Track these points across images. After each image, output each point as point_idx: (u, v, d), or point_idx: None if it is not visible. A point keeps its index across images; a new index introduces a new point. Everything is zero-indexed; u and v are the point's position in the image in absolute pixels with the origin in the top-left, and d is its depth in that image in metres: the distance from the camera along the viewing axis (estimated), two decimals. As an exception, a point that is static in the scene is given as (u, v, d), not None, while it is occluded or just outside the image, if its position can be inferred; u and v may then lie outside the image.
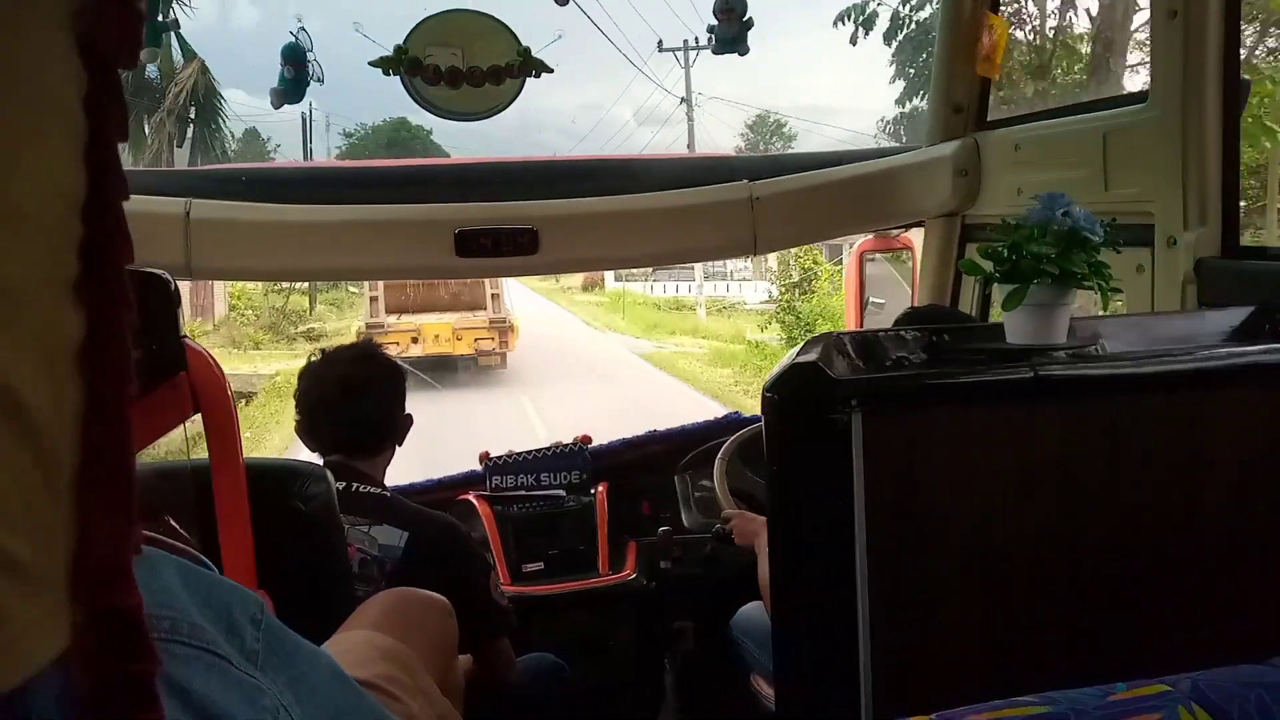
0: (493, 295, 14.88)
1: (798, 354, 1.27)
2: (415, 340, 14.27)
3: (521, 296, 19.80)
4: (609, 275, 30.91)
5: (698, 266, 25.31)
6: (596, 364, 17.30)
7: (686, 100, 26.40)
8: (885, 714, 1.14)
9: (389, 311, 14.71)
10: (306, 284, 21.21)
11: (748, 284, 27.56)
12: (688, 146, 26.22)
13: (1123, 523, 1.24)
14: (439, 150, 27.75)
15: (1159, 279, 1.84)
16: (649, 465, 2.78)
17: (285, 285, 19.23)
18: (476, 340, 14.59)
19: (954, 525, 1.20)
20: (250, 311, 20.50)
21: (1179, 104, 1.79)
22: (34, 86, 0.31)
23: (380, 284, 13.49)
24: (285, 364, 14.63)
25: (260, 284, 17.57)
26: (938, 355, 1.36)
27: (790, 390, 1.19)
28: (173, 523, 1.25)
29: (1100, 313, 1.55)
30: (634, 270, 26.75)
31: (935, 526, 1.20)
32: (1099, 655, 1.23)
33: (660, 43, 24.51)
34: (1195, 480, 1.26)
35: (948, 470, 1.20)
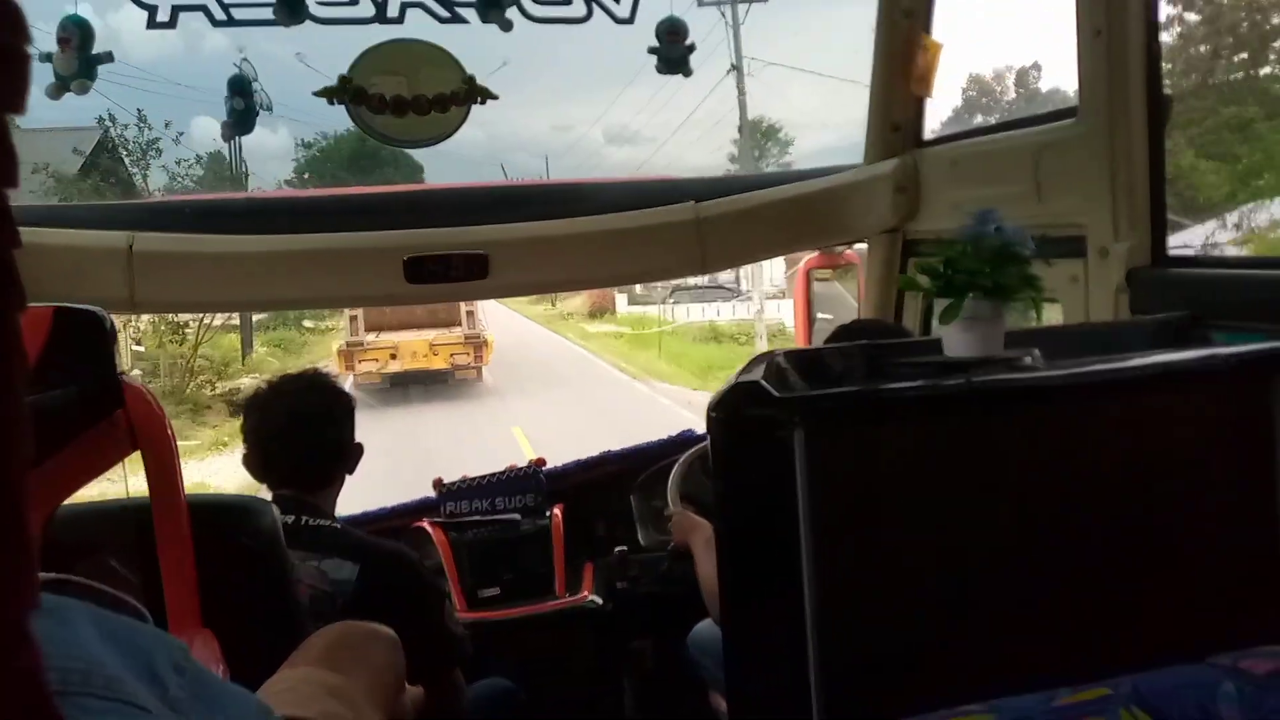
0: (468, 313, 15.53)
1: (741, 373, 1.29)
2: (394, 356, 15.11)
3: (508, 325, 18.94)
4: (620, 298, 28.82)
5: (748, 276, 22.77)
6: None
7: (737, 68, 21.49)
8: None
9: (368, 329, 15.41)
10: (237, 321, 18.81)
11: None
12: (738, 129, 23.70)
13: (1062, 527, 1.27)
14: (407, 160, 25.79)
15: (1093, 289, 1.89)
16: (604, 486, 2.78)
17: (205, 322, 16.37)
18: (453, 355, 15.38)
19: (898, 537, 1.22)
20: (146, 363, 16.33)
21: (1106, 119, 1.85)
22: None
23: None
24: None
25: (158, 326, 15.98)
26: (879, 370, 1.39)
27: (733, 409, 1.20)
28: (114, 564, 1.23)
29: (1035, 325, 1.59)
30: (650, 286, 24.55)
31: (880, 538, 1.22)
32: (1043, 658, 1.25)
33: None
34: (1133, 483, 1.30)
35: (891, 483, 1.22)
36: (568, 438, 8.65)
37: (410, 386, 15.67)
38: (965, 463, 1.24)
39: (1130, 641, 1.28)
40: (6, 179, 0.33)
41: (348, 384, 16.01)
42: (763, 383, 1.21)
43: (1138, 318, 1.75)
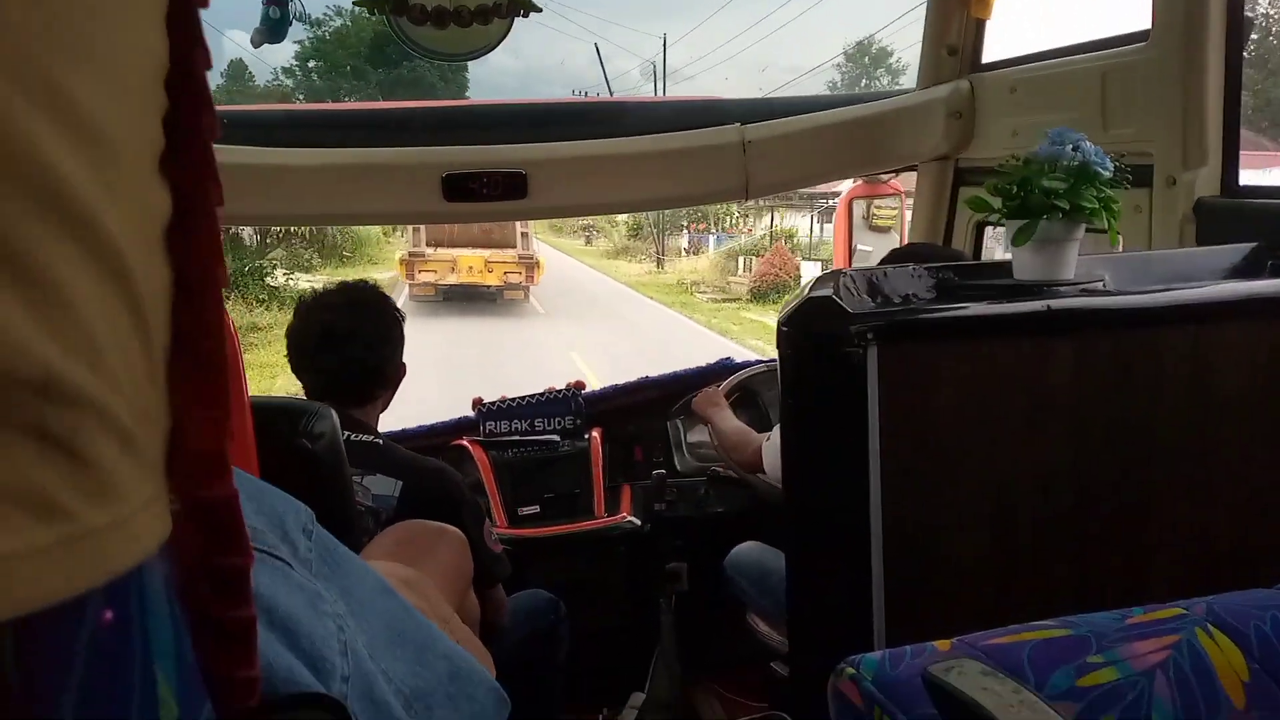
0: (522, 234, 16.63)
1: (810, 289, 1.27)
2: (452, 269, 16.33)
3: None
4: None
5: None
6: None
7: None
8: (898, 640, 1.16)
9: (429, 244, 16.51)
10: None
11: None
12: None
13: (1131, 453, 1.26)
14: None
15: (1157, 219, 1.85)
16: (642, 410, 2.78)
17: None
18: (506, 274, 16.64)
19: (966, 456, 1.21)
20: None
21: (1180, 43, 1.78)
22: None
23: None
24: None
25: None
26: (947, 291, 1.36)
27: (805, 323, 1.19)
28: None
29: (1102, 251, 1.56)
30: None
31: (948, 457, 1.21)
32: (1108, 584, 1.25)
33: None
34: (1201, 411, 1.28)
35: (960, 402, 1.20)
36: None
37: (461, 301, 16.89)
38: (1036, 385, 1.22)
39: (1196, 570, 1.28)
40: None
41: (403, 294, 16.19)
42: (836, 298, 1.19)
43: (1207, 247, 1.71)
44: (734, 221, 26.30)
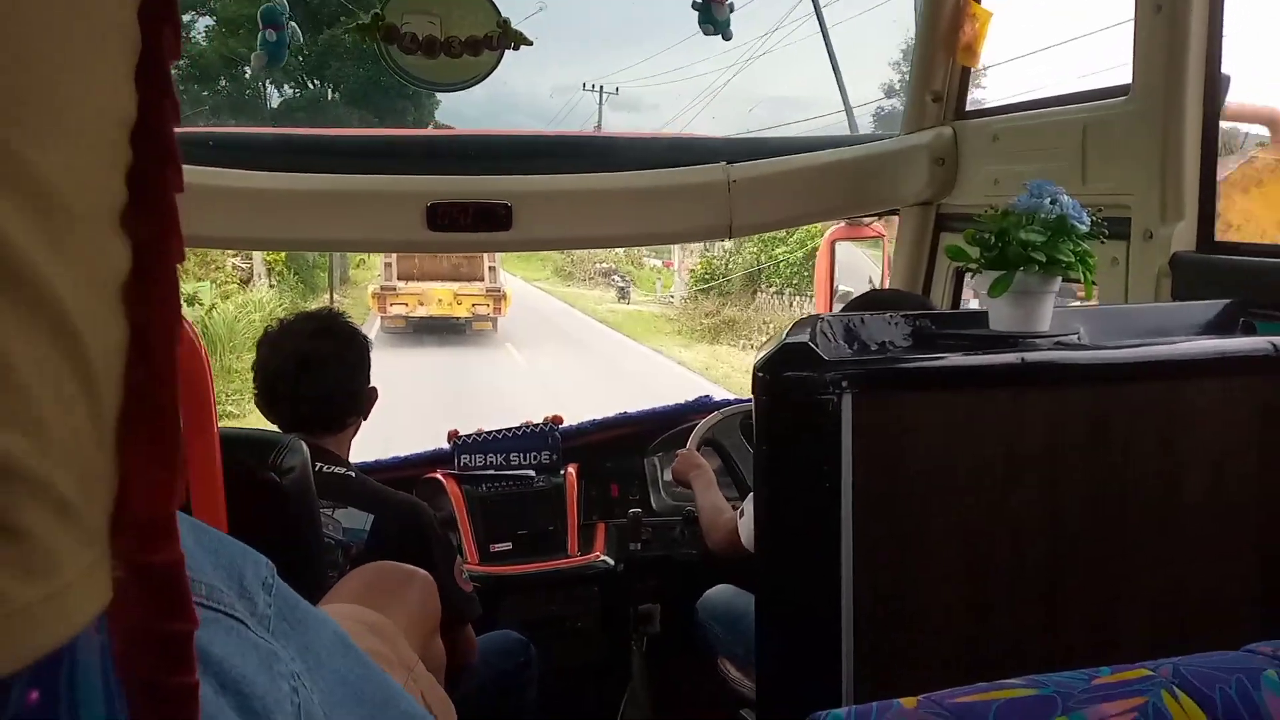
0: (490, 268, 17.47)
1: (787, 335, 1.26)
2: (421, 303, 17.11)
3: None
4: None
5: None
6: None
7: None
8: (867, 692, 1.14)
9: (399, 277, 17.29)
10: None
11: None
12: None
13: (1103, 509, 1.26)
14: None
15: (1134, 271, 1.86)
16: (619, 447, 2.76)
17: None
18: (474, 306, 17.49)
19: (939, 508, 1.20)
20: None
21: (1160, 99, 1.81)
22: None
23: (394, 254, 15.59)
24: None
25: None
26: (924, 340, 1.36)
27: (781, 370, 1.18)
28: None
29: (1078, 303, 1.57)
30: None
31: (920, 509, 1.20)
32: (1078, 641, 1.24)
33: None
34: (1174, 468, 1.28)
35: (934, 453, 1.20)
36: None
37: (430, 333, 17.64)
38: (1010, 438, 1.22)
39: (1165, 627, 1.27)
40: (173, 49, 0.32)
41: (375, 326, 16.54)
42: (812, 345, 1.19)
43: (1182, 302, 1.72)
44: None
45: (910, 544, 1.20)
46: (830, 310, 3.22)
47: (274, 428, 1.84)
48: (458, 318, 17.52)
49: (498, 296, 17.52)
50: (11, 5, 0.26)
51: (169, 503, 0.34)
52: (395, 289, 17.01)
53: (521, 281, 26.88)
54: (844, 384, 1.13)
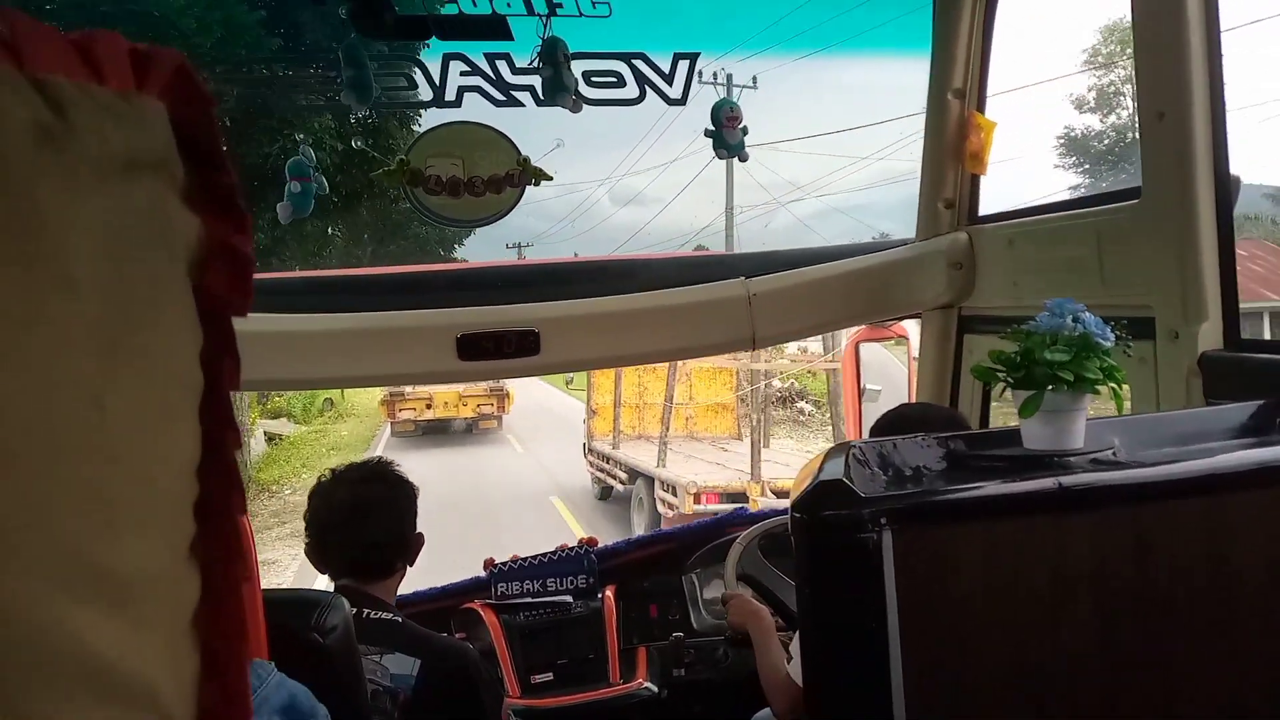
0: None
1: (820, 469, 1.27)
2: (429, 406, 17.72)
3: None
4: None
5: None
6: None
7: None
8: None
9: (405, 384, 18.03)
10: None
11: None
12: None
13: (1155, 631, 1.23)
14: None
15: (1163, 372, 1.86)
16: (656, 565, 2.74)
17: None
18: (479, 406, 18.12)
19: (989, 641, 1.18)
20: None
21: (1171, 202, 1.83)
22: (165, 364, 0.31)
23: None
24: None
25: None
26: (958, 463, 1.36)
27: (818, 509, 1.18)
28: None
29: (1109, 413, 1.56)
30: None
31: (969, 643, 1.18)
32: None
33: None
34: (1224, 585, 1.25)
35: (979, 584, 1.18)
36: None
37: (438, 435, 18.51)
38: (1054, 563, 1.20)
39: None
40: (233, 382, 0.34)
41: (385, 432, 17.67)
42: (847, 481, 1.19)
43: (1214, 406, 1.71)
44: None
45: (962, 679, 1.18)
46: (859, 413, 3.22)
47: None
48: (464, 418, 18.19)
49: (501, 395, 17.99)
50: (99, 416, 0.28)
51: (246, 684, 0.35)
52: (403, 395, 17.40)
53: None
54: (883, 520, 1.13)
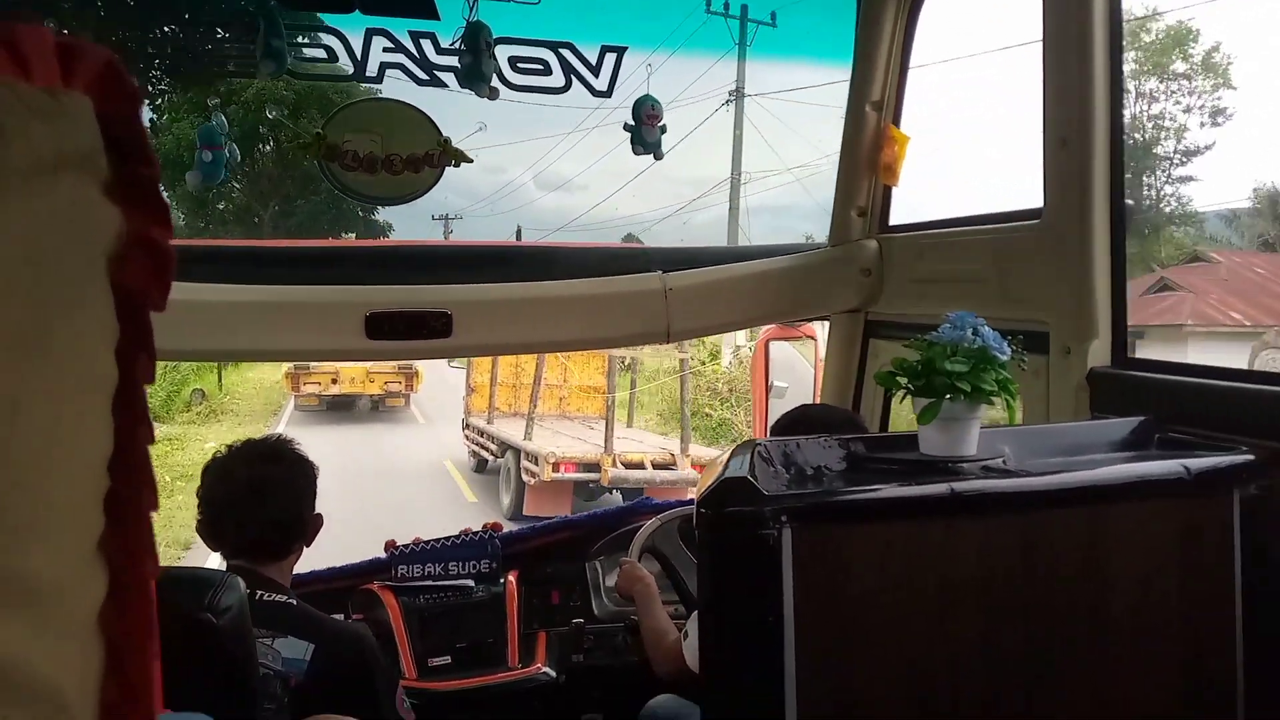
0: None
1: (726, 465, 1.30)
2: (334, 381, 17.21)
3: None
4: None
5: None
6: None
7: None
8: None
9: None
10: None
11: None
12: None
13: (1036, 633, 1.30)
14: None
15: (1054, 385, 1.95)
16: (559, 552, 2.75)
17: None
18: (386, 383, 17.63)
19: (879, 637, 1.23)
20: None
21: (1070, 224, 1.92)
22: (81, 363, 0.31)
23: None
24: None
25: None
26: (857, 465, 1.41)
27: (722, 505, 1.21)
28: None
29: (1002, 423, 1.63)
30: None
31: (860, 638, 1.23)
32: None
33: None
34: (1101, 590, 1.33)
35: (873, 583, 1.23)
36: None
37: (344, 410, 18.11)
38: (944, 564, 1.26)
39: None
40: (148, 376, 0.33)
41: (289, 404, 17.23)
42: (750, 479, 1.22)
43: (1100, 420, 1.80)
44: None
45: (852, 673, 1.23)
46: (766, 409, 3.29)
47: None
48: (370, 394, 17.82)
49: (410, 374, 17.58)
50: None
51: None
52: (309, 368, 16.91)
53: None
54: (784, 518, 1.17)
